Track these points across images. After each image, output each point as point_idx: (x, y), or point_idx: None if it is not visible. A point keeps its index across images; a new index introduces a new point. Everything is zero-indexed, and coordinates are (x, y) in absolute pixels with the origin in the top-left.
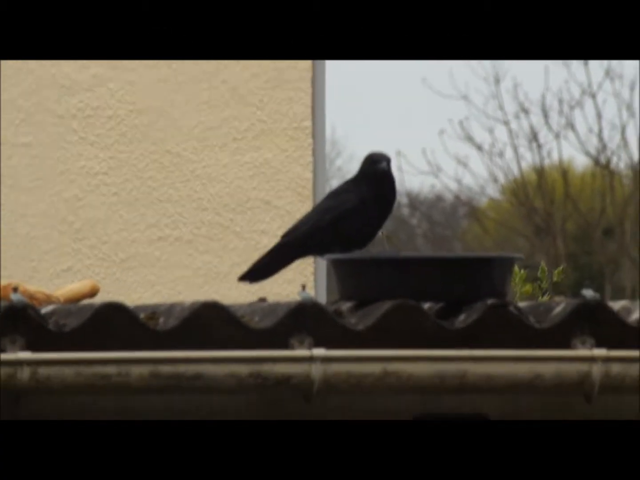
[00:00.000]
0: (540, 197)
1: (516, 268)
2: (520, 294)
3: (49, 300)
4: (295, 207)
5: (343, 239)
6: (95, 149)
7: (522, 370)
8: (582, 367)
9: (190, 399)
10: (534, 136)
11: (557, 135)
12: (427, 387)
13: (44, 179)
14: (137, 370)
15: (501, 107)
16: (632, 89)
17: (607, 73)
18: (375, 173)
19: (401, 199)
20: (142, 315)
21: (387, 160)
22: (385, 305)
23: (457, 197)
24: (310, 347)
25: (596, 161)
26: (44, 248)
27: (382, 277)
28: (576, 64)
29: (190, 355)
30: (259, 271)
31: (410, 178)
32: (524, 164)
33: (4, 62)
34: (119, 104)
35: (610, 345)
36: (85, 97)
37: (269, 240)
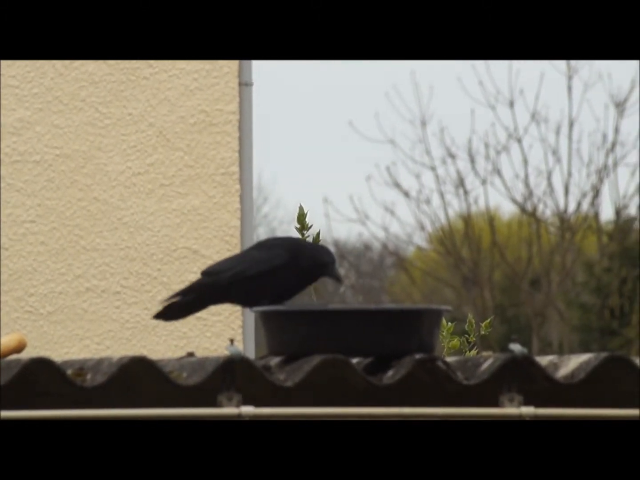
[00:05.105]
0: (467, 246)
1: (444, 320)
2: (448, 348)
3: None
4: (223, 255)
5: (268, 292)
6: (22, 195)
7: None
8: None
9: None
10: (460, 182)
11: (483, 181)
12: None
13: None
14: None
15: (428, 152)
16: (557, 133)
17: (533, 116)
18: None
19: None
20: (69, 371)
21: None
22: (314, 361)
23: (384, 247)
24: (238, 405)
25: (522, 208)
26: None
27: (311, 330)
28: (501, 107)
29: (118, 414)
30: (176, 310)
31: (338, 226)
32: (450, 211)
33: None
34: (45, 148)
35: (538, 403)
36: (12, 141)
37: None
